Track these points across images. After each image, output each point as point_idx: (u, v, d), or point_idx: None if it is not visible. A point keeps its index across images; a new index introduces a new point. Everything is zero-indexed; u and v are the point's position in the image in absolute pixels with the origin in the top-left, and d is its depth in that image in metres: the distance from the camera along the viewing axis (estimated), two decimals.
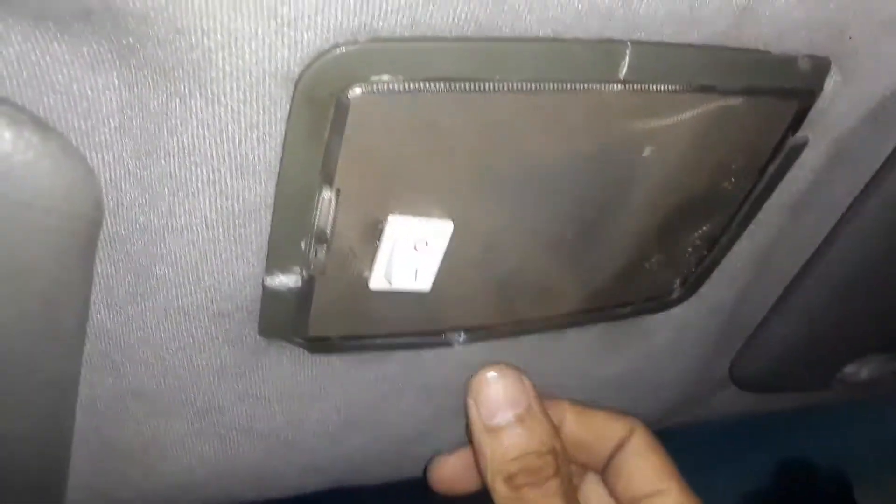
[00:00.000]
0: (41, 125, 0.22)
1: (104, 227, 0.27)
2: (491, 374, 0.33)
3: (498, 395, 0.32)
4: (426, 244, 0.30)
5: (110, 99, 0.24)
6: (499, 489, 0.32)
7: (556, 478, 0.32)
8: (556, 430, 0.34)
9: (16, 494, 0.34)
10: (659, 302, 0.42)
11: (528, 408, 0.33)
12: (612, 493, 0.40)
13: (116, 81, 0.23)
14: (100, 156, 0.25)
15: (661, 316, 0.43)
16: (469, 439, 0.35)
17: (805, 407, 0.64)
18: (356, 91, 0.24)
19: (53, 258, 0.24)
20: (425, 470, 0.44)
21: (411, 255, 0.30)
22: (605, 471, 0.40)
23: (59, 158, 0.22)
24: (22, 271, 0.24)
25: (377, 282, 0.31)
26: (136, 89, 0.24)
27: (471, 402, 0.33)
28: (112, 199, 0.26)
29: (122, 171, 0.26)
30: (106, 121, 0.24)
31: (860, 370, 0.55)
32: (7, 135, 0.21)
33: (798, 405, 0.62)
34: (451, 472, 0.43)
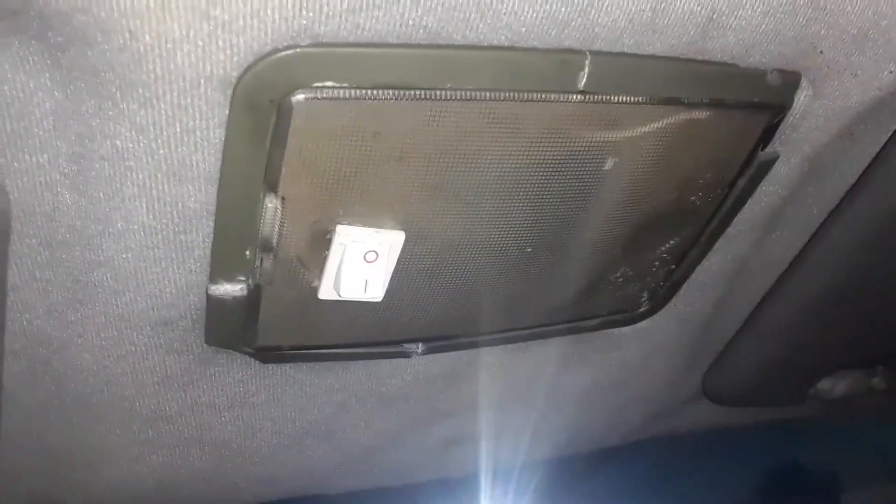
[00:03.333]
0: None
1: (41, 232, 0.26)
2: None
3: None
4: (376, 255, 0.29)
5: (43, 100, 0.23)
6: None
7: None
8: None
9: None
10: (627, 315, 0.41)
11: None
12: None
13: (49, 83, 0.22)
14: (34, 158, 0.24)
15: (630, 329, 0.42)
16: None
17: (788, 419, 0.63)
18: (299, 97, 0.23)
19: None
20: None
21: (361, 265, 0.29)
22: None
23: None
24: None
25: (326, 292, 0.30)
26: (68, 90, 0.23)
27: None
28: (48, 203, 0.25)
29: (58, 175, 0.25)
30: (39, 123, 0.23)
31: (835, 386, 0.54)
32: None
33: (773, 420, 0.62)
34: None
